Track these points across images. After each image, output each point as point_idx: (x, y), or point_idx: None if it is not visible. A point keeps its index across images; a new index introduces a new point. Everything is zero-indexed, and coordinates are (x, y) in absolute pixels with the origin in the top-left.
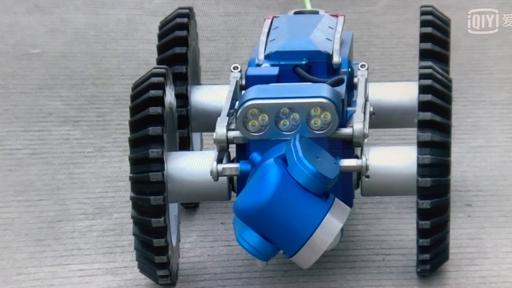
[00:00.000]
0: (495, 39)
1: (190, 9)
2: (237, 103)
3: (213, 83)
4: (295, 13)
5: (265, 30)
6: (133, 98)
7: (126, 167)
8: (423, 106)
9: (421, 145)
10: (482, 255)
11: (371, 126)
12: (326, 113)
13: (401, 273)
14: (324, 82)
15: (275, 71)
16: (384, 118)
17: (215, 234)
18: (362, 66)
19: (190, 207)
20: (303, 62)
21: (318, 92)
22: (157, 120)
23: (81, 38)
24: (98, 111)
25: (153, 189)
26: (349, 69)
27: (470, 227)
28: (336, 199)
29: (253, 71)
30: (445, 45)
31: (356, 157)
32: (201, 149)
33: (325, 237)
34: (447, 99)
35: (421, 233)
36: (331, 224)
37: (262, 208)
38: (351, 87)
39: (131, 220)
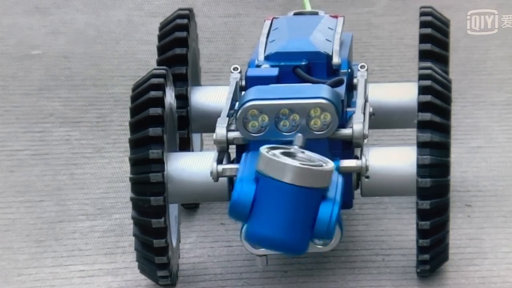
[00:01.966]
0: (495, 40)
1: (190, 10)
2: (237, 104)
3: (213, 84)
4: (295, 14)
5: (265, 31)
6: (133, 99)
7: (126, 167)
8: (422, 106)
9: (421, 145)
10: (481, 255)
11: (371, 126)
12: (326, 113)
13: (401, 273)
14: (323, 83)
15: (275, 72)
16: (383, 119)
17: (215, 235)
18: (362, 67)
19: (190, 207)
20: (303, 63)
21: (318, 93)
22: (157, 121)
23: (82, 39)
24: (98, 112)
25: (154, 190)
26: (349, 70)
27: (469, 228)
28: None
29: (253, 72)
30: (445, 46)
31: (356, 157)
32: (201, 150)
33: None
34: (447, 99)
35: (421, 233)
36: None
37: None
38: (351, 88)
39: (131, 221)
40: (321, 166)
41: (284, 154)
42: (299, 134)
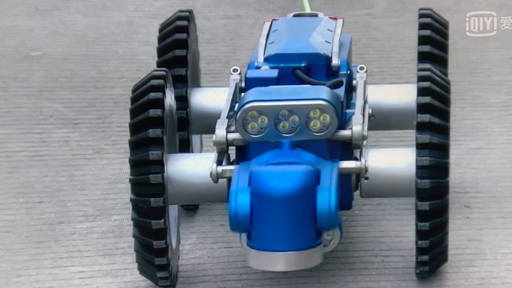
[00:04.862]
0: (493, 42)
1: (190, 12)
2: (236, 105)
3: (213, 86)
4: (295, 16)
5: (265, 32)
6: (133, 100)
7: (126, 169)
8: (421, 108)
9: (420, 147)
10: (480, 256)
11: (370, 128)
12: (325, 115)
13: (400, 274)
14: (323, 84)
15: (274, 73)
16: (383, 120)
17: (215, 236)
18: (361, 68)
19: (190, 209)
20: (302, 65)
21: (317, 94)
22: (157, 122)
23: (82, 41)
24: (98, 113)
25: (153, 191)
26: (348, 72)
27: (468, 229)
28: (321, 246)
29: (253, 73)
30: (444, 47)
31: (355, 159)
32: (201, 151)
33: (286, 264)
34: (446, 101)
35: (420, 234)
36: (299, 259)
37: (278, 197)
38: (350, 89)
39: (131, 222)
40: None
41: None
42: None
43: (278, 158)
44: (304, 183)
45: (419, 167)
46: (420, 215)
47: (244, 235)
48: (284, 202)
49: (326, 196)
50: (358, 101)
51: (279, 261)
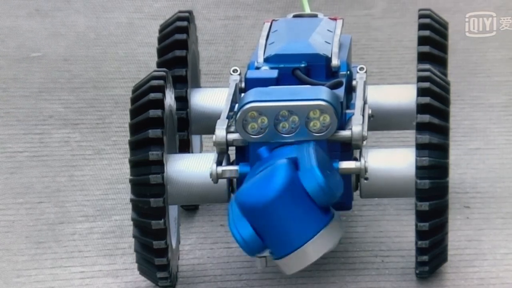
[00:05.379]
0: (493, 42)
1: (190, 12)
2: (236, 105)
3: (213, 86)
4: (294, 16)
5: (264, 33)
6: (133, 100)
7: (126, 169)
8: (421, 108)
9: (420, 147)
10: (480, 256)
11: (370, 128)
12: (325, 115)
13: (400, 274)
14: (323, 85)
15: (274, 74)
16: (382, 121)
17: (214, 236)
18: (361, 69)
19: (190, 209)
20: (302, 65)
21: (317, 94)
22: (157, 123)
23: (82, 42)
24: (98, 114)
25: (153, 191)
26: (348, 72)
27: (468, 229)
28: (336, 217)
29: (253, 74)
30: (443, 48)
31: (355, 159)
32: (200, 151)
33: (314, 251)
34: (445, 101)
35: (420, 234)
36: (324, 241)
37: (264, 206)
38: (350, 90)
39: (131, 222)
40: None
41: None
42: None
43: (256, 170)
44: (282, 176)
45: (418, 168)
46: (420, 216)
47: (260, 261)
48: (274, 204)
49: (310, 176)
50: (358, 101)
51: (308, 253)
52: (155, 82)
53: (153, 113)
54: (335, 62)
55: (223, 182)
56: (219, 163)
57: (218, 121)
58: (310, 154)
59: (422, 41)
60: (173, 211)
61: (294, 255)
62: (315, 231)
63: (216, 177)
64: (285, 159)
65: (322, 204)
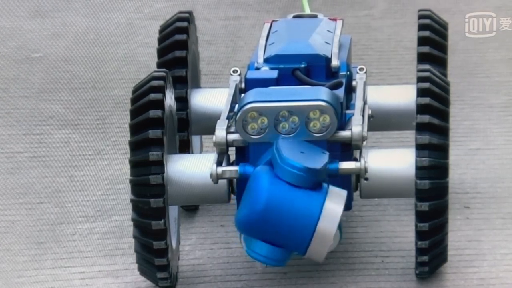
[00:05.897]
0: (493, 43)
1: (190, 13)
2: (236, 106)
3: (213, 86)
4: (294, 17)
5: (264, 33)
6: (133, 101)
7: (126, 169)
8: (421, 109)
9: (420, 147)
10: (480, 257)
11: (370, 128)
12: (325, 116)
13: (400, 275)
14: (322, 85)
15: (274, 74)
16: (382, 121)
17: (215, 237)
18: (361, 69)
19: (190, 209)
20: (302, 66)
21: (317, 95)
22: (157, 123)
23: (82, 42)
24: (98, 114)
25: (153, 192)
26: (348, 72)
27: (468, 229)
28: (330, 187)
29: (253, 74)
30: (443, 48)
31: (355, 159)
32: (201, 152)
33: (329, 225)
34: (445, 102)
35: (420, 235)
36: (332, 211)
37: (259, 216)
38: (350, 90)
39: (131, 223)
40: None
41: None
42: None
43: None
44: (262, 183)
45: (418, 168)
46: (420, 216)
47: None
48: (268, 211)
49: (283, 168)
50: (358, 102)
51: (325, 231)
52: (155, 83)
53: (153, 113)
54: (335, 62)
55: (223, 182)
56: (219, 163)
57: (218, 121)
58: (278, 149)
59: (422, 41)
60: (173, 211)
61: (315, 241)
62: (318, 210)
63: (216, 178)
64: (260, 166)
65: (310, 185)
